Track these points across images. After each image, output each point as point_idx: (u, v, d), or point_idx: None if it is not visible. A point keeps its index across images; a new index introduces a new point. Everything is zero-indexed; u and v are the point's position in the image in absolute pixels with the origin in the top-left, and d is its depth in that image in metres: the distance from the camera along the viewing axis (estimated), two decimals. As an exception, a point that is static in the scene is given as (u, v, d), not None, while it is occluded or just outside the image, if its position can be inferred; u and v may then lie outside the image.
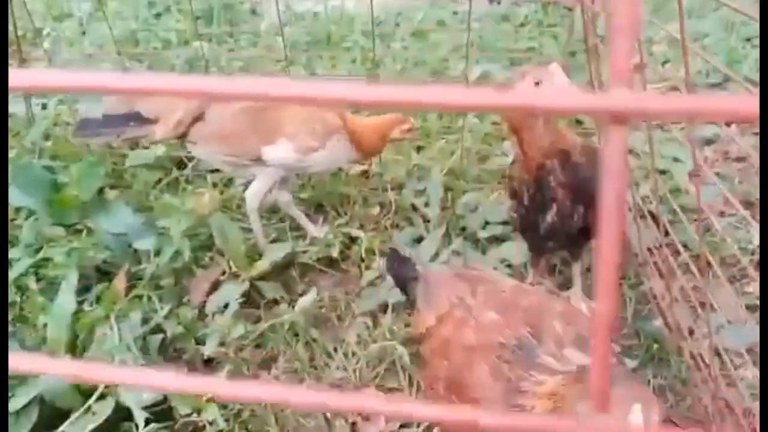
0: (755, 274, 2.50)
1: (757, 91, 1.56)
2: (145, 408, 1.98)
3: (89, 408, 1.98)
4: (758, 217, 2.79)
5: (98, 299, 2.47)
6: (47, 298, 2.37)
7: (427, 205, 2.89)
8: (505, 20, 5.08)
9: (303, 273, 2.64)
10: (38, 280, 2.50)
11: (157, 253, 2.55)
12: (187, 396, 2.04)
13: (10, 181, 2.54)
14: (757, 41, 4.66)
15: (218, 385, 0.44)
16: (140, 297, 2.44)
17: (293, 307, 2.41)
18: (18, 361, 0.46)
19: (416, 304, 1.65)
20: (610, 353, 1.16)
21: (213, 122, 2.50)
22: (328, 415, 2.07)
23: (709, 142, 3.49)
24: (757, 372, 2.06)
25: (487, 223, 2.75)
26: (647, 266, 2.50)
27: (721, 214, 2.77)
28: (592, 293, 2.44)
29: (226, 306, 2.42)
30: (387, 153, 2.99)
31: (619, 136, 0.37)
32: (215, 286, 2.53)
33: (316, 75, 3.96)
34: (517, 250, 2.57)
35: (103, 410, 1.97)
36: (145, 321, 2.28)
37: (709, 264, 2.52)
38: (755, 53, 4.39)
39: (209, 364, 2.23)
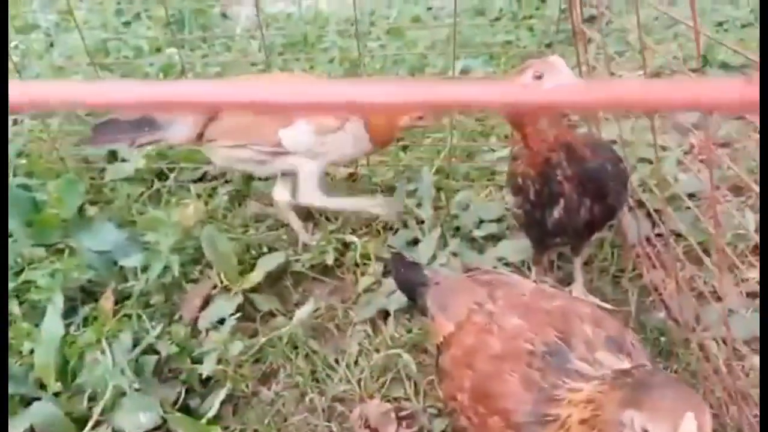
0: (754, 260, 2.50)
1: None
2: (143, 433, 1.90)
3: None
4: (750, 203, 2.79)
5: (85, 321, 2.38)
6: (32, 323, 2.27)
7: (419, 206, 2.84)
8: (480, 14, 5.04)
9: (297, 282, 2.57)
10: (20, 304, 2.40)
11: (145, 269, 2.47)
12: (186, 420, 1.96)
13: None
14: (728, 26, 4.70)
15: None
16: (129, 316, 2.35)
17: (290, 318, 2.34)
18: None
19: (427, 310, 1.60)
20: (647, 358, 1.11)
21: (228, 117, 2.45)
22: (335, 428, 2.01)
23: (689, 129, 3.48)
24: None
25: (481, 221, 2.71)
26: (644, 257, 2.47)
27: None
28: (593, 288, 2.41)
29: (219, 321, 2.35)
30: (373, 155, 2.92)
31: None
32: (207, 301, 2.45)
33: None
34: (514, 248, 2.53)
35: (100, 439, 1.89)
36: (136, 342, 2.20)
37: (706, 252, 2.52)
38: (728, 37, 4.41)
39: (206, 384, 2.14)
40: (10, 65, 2.92)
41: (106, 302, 2.41)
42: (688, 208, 2.70)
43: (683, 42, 4.19)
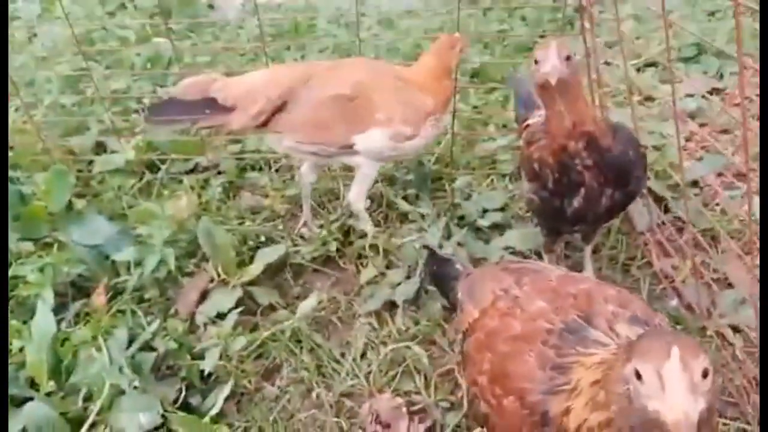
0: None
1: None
2: (144, 433, 1.81)
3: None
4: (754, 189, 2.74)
5: (77, 318, 2.28)
6: (21, 320, 2.17)
7: (418, 197, 2.76)
8: (473, 3, 4.97)
9: (297, 275, 2.49)
10: (9, 300, 2.29)
11: (138, 263, 2.37)
12: (188, 418, 1.87)
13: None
14: (720, 14, 4.68)
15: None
16: (123, 312, 2.26)
17: (292, 311, 2.25)
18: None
19: (458, 304, 1.54)
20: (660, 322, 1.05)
21: (298, 111, 2.34)
22: (344, 424, 1.93)
23: (692, 115, 3.44)
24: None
25: (485, 210, 2.64)
26: (655, 245, 2.42)
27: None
28: (602, 277, 2.35)
29: (218, 316, 2.26)
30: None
31: None
32: (204, 296, 2.36)
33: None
34: (521, 236, 2.46)
35: (98, 440, 1.80)
36: (131, 338, 2.10)
37: (714, 239, 2.47)
38: (721, 26, 4.38)
39: (207, 380, 2.05)
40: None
41: (98, 297, 2.31)
42: (696, 194, 2.67)
43: (677, 30, 4.15)
